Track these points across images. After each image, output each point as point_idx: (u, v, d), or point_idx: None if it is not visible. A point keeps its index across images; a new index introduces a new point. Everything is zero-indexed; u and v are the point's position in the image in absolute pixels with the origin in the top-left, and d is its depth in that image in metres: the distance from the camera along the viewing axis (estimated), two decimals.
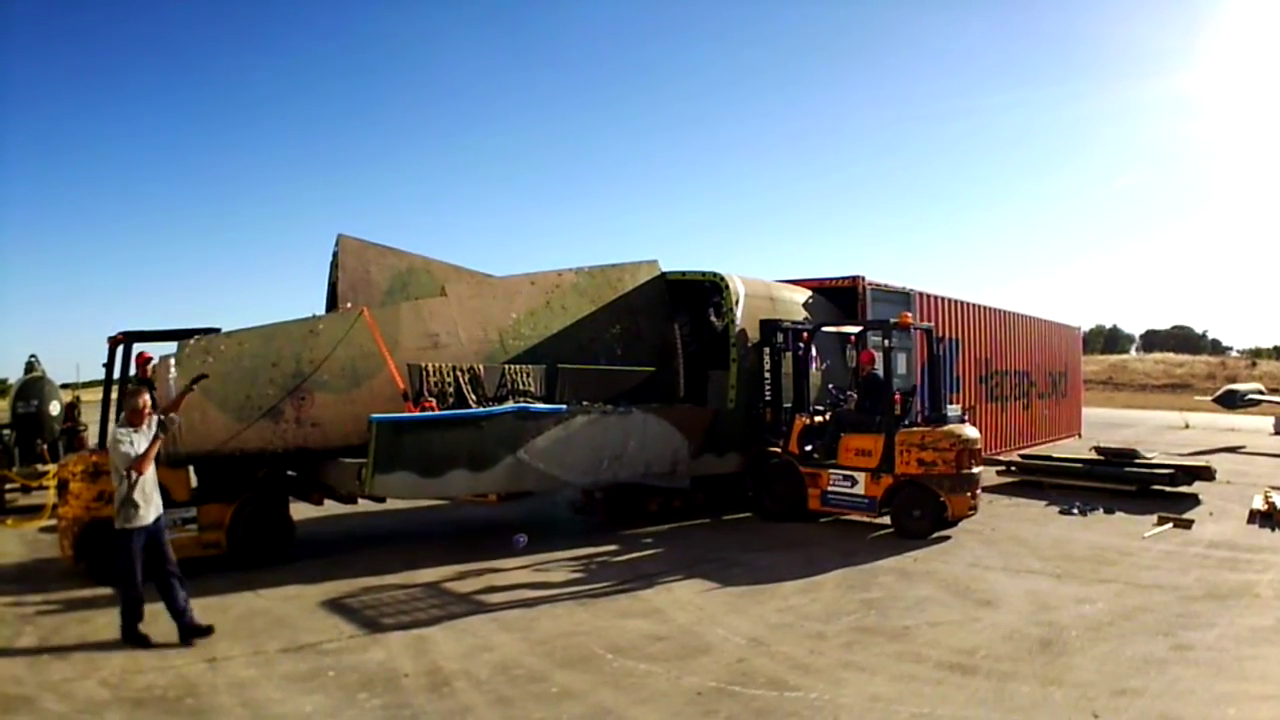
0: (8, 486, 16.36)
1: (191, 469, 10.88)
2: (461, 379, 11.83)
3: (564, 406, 12.06)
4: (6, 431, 17.61)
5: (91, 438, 18.55)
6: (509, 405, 11.76)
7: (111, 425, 9.95)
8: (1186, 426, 33.88)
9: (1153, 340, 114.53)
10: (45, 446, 17.54)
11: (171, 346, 10.76)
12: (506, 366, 12.36)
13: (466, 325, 12.42)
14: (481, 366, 12.13)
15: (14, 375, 20.68)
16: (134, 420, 8.16)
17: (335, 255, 12.48)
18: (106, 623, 8.53)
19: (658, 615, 8.65)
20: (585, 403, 12.42)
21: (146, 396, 8.41)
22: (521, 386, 12.33)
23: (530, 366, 12.54)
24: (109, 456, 8.20)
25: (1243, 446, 26.26)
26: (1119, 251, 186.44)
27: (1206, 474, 16.12)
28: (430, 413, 11.08)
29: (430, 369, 11.66)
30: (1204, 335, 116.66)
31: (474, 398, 11.84)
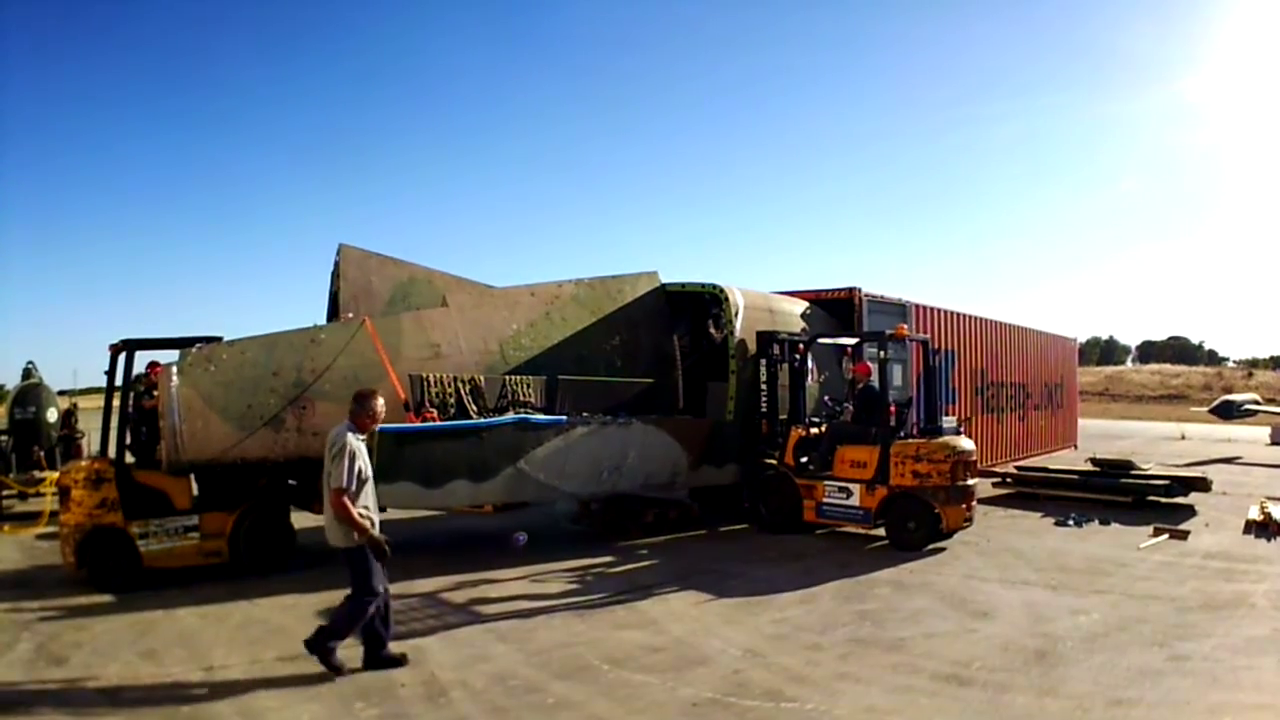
0: (5, 493, 16.37)
1: (193, 477, 10.90)
2: (463, 390, 11.89)
3: (564, 417, 12.10)
4: (4, 438, 17.66)
5: (89, 445, 18.62)
6: (509, 416, 11.82)
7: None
8: (1183, 437, 33.92)
9: (1149, 351, 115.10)
10: (42, 453, 17.57)
11: (173, 355, 10.78)
12: (507, 377, 12.42)
13: (468, 336, 12.46)
14: (482, 377, 12.18)
15: (11, 382, 20.74)
16: (365, 425, 7.53)
17: (337, 265, 12.50)
18: (104, 629, 8.59)
19: (654, 626, 8.66)
20: (585, 414, 12.46)
21: (382, 400, 7.82)
22: (522, 397, 12.40)
23: (531, 378, 12.59)
24: (331, 463, 7.22)
25: (1239, 457, 26.29)
26: (1116, 262, 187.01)
27: (1202, 485, 16.18)
28: (431, 423, 11.12)
29: (432, 379, 11.71)
30: (1200, 346, 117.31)
31: (475, 408, 11.89)
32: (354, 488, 7.16)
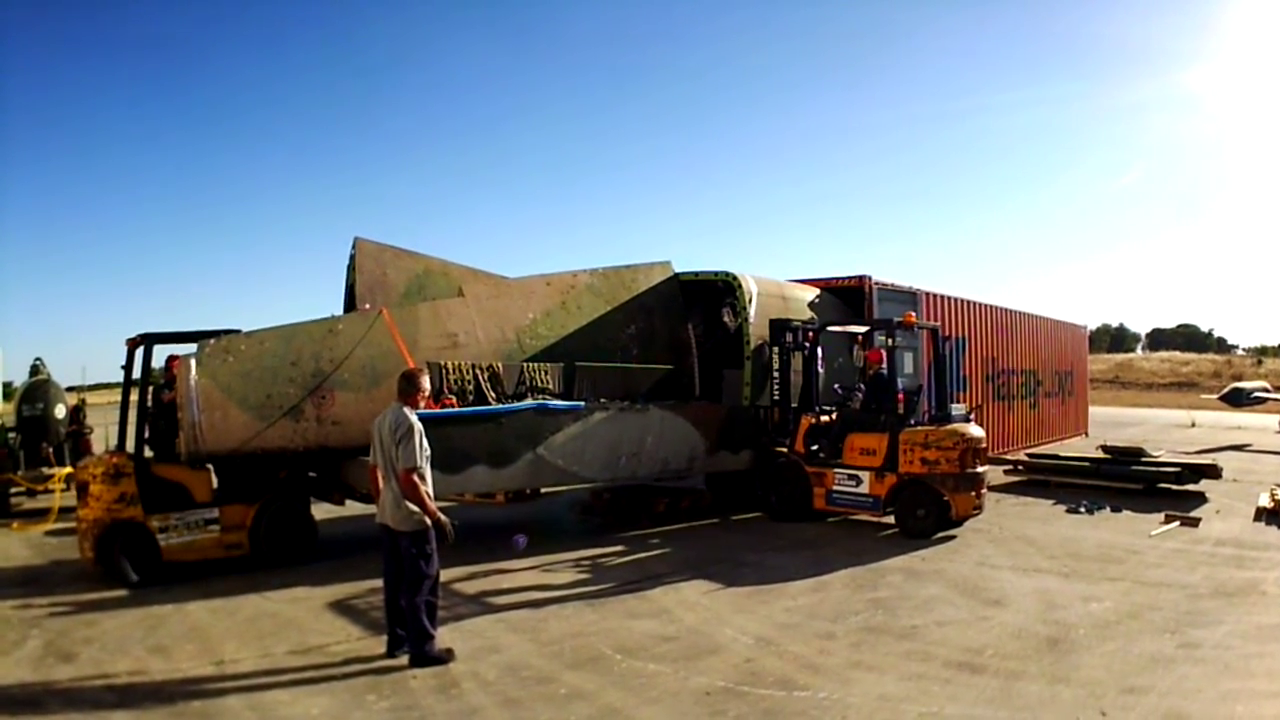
0: (13, 490, 16.39)
1: (213, 470, 10.90)
2: (481, 377, 11.93)
3: (582, 403, 12.18)
4: (12, 435, 17.62)
5: (98, 441, 18.63)
6: (528, 402, 11.86)
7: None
8: (1193, 425, 33.86)
9: (1159, 339, 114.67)
10: (50, 450, 17.56)
11: (191, 348, 10.77)
12: (525, 364, 12.48)
13: (484, 325, 12.49)
14: (500, 365, 12.22)
15: (19, 378, 20.71)
16: (417, 403, 7.55)
17: (352, 258, 12.50)
18: (114, 625, 8.58)
19: (666, 616, 8.65)
20: (603, 400, 12.52)
21: (428, 376, 8.00)
22: (540, 384, 12.45)
23: (549, 364, 12.65)
24: (388, 445, 7.30)
25: (1249, 444, 26.24)
26: (1126, 249, 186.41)
27: (1213, 472, 16.14)
28: (450, 409, 11.14)
29: (450, 367, 11.76)
30: (1210, 333, 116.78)
31: (493, 395, 11.93)
32: (425, 466, 7.28)
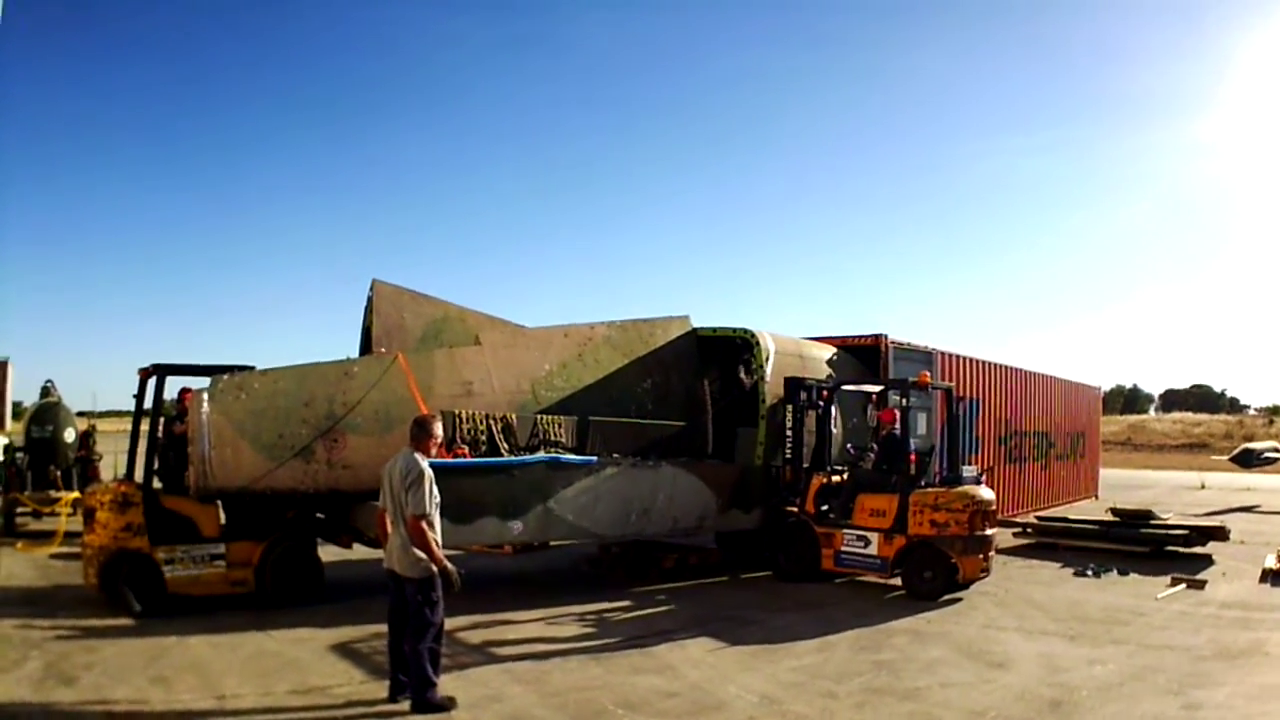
0: (19, 510, 16.45)
1: (221, 505, 10.95)
2: (494, 427, 11.97)
3: (594, 458, 12.18)
4: (20, 455, 17.69)
5: (107, 469, 18.67)
6: (540, 455, 11.89)
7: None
8: (1203, 487, 33.73)
9: (1172, 399, 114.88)
10: (59, 473, 17.60)
11: (203, 382, 10.83)
12: (539, 416, 12.50)
13: (500, 375, 12.54)
14: (514, 416, 12.25)
15: (29, 398, 20.85)
16: (428, 449, 7.55)
17: (370, 300, 12.57)
18: (115, 652, 8.67)
19: (670, 671, 8.63)
20: (615, 455, 12.52)
21: (440, 424, 8.07)
22: (553, 437, 12.46)
23: (562, 417, 12.66)
24: (397, 491, 7.28)
25: (1258, 505, 26.28)
26: (1138, 302, 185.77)
27: (1220, 534, 16.20)
28: (462, 459, 11.17)
29: (463, 416, 11.79)
30: (1223, 394, 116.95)
31: (506, 446, 11.95)
32: (435, 514, 7.31)
